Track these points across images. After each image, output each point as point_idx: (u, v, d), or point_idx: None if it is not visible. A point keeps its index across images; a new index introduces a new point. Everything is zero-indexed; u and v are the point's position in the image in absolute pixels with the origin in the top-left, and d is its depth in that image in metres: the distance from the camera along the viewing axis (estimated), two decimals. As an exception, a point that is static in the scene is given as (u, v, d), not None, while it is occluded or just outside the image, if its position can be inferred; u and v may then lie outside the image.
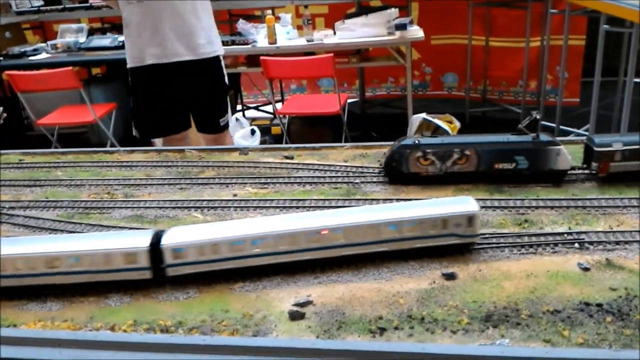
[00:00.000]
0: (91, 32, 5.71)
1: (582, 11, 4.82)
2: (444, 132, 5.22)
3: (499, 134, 1.73)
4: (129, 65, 3.16)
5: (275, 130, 5.94)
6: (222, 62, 3.31)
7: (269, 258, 1.32)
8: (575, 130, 5.05)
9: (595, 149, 1.64)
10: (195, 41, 3.09)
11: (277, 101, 5.80)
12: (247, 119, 6.02)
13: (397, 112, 6.12)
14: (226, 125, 3.36)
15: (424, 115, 5.20)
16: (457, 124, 5.34)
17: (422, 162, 1.70)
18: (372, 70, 6.45)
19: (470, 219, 1.33)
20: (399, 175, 1.75)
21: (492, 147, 1.68)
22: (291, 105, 5.42)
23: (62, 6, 6.05)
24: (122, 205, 1.73)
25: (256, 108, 6.61)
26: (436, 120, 5.23)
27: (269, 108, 6.44)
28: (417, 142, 1.72)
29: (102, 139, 5.43)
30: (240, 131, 5.42)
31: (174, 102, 3.19)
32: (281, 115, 5.26)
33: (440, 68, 6.39)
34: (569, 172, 1.70)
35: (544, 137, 1.68)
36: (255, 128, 5.44)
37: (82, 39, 5.49)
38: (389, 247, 1.35)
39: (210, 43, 3.16)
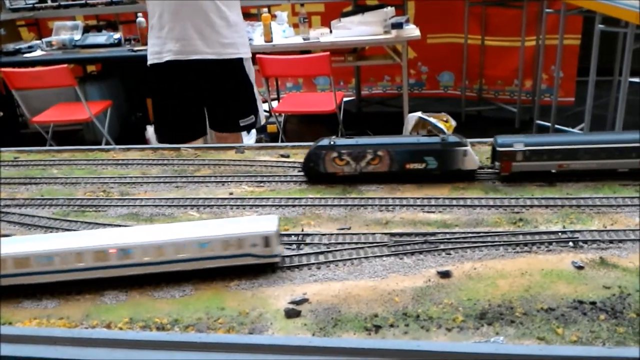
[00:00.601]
0: (86, 30, 5.69)
1: (577, 11, 4.83)
2: (440, 131, 5.24)
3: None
4: (149, 62, 3.08)
5: (272, 128, 5.93)
6: (249, 65, 3.15)
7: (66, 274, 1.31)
8: (570, 129, 5.08)
9: (498, 149, 1.69)
10: (218, 40, 2.97)
11: (273, 99, 5.80)
12: (243, 117, 6.00)
13: (393, 111, 6.13)
14: (249, 126, 3.24)
15: (419, 114, 5.20)
16: (453, 123, 5.34)
17: (338, 163, 1.75)
18: (368, 68, 6.45)
19: (266, 239, 1.32)
20: (316, 175, 1.79)
21: (403, 148, 1.74)
22: (287, 104, 5.42)
23: (57, 3, 6.02)
24: (118, 204, 1.73)
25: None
26: (432, 119, 5.24)
27: (265, 106, 6.42)
28: (332, 143, 1.77)
29: (98, 136, 5.42)
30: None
31: (194, 103, 3.08)
32: (277, 114, 5.26)
33: (436, 67, 6.40)
34: (477, 171, 1.75)
35: (452, 138, 1.73)
36: (252, 126, 5.42)
37: (77, 36, 5.47)
38: (189, 266, 1.33)
39: (234, 44, 3.04)
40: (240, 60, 3.08)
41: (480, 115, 6.18)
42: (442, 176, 1.73)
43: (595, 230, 1.41)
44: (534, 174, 1.69)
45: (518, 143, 1.65)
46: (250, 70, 3.17)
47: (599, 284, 1.23)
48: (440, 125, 5.30)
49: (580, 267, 1.28)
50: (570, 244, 1.36)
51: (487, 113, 6.18)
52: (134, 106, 6.06)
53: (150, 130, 5.10)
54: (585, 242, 1.37)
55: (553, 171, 1.67)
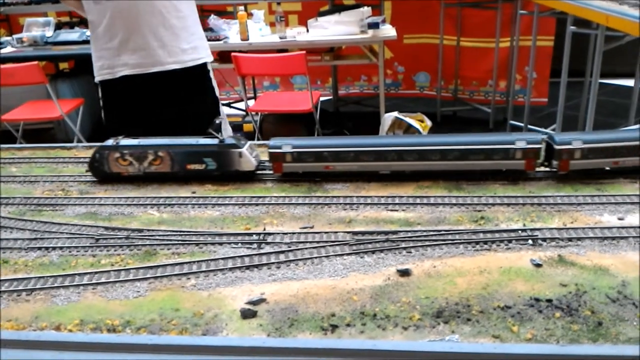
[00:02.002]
0: (59, 26, 5.58)
1: (550, 12, 4.90)
2: (416, 131, 5.26)
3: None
4: (97, 79, 2.69)
5: (247, 127, 5.90)
6: (211, 72, 2.86)
7: None
8: (542, 129, 5.14)
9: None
10: (179, 46, 2.63)
11: (249, 98, 5.76)
12: (219, 116, 5.95)
13: (370, 111, 6.14)
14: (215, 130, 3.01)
15: (396, 113, 5.22)
16: (429, 123, 5.37)
17: (122, 163, 1.79)
18: (345, 68, 6.45)
19: None
20: (102, 175, 1.83)
21: (183, 150, 1.78)
22: (263, 103, 5.39)
23: (28, -1, 5.90)
24: (77, 202, 1.68)
25: (228, 105, 6.54)
26: (408, 119, 5.26)
27: (241, 105, 6.39)
28: (116, 143, 1.81)
29: (69, 135, 5.31)
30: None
31: (154, 118, 2.66)
32: (253, 113, 5.22)
33: (412, 67, 6.43)
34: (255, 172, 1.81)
35: (229, 140, 1.79)
36: (227, 125, 5.38)
37: (49, 32, 5.36)
38: None
39: (195, 49, 2.71)
40: (204, 65, 2.80)
41: (455, 116, 6.23)
42: (222, 177, 1.79)
43: (555, 229, 1.41)
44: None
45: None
46: (212, 73, 2.90)
47: (556, 282, 1.23)
48: (416, 125, 5.34)
49: (538, 265, 1.28)
50: (530, 242, 1.37)
51: (462, 113, 6.23)
52: (107, 104, 5.94)
53: (123, 129, 5.02)
54: (544, 240, 1.37)
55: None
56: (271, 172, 1.80)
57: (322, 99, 5.61)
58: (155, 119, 2.66)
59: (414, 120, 5.40)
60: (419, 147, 1.71)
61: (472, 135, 1.75)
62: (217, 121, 1.84)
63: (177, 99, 2.71)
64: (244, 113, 6.15)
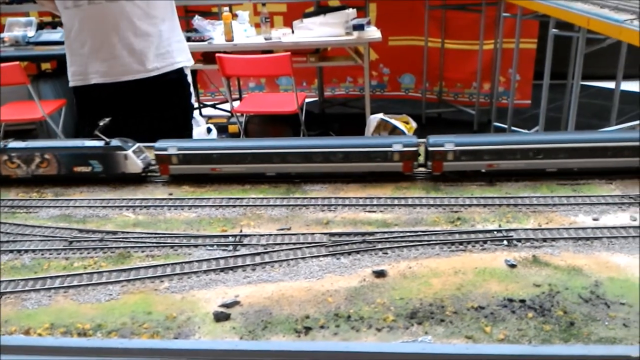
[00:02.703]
0: (41, 26, 5.50)
1: (533, 15, 4.95)
2: (401, 132, 5.28)
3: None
4: (70, 84, 2.64)
5: (233, 128, 5.88)
6: (189, 77, 2.74)
7: None
8: (525, 131, 5.18)
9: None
10: (151, 51, 2.53)
11: (235, 99, 5.74)
12: (204, 117, 5.93)
13: (356, 112, 6.14)
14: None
15: (381, 115, 5.24)
16: (414, 125, 5.40)
17: (10, 166, 1.79)
18: (331, 69, 6.45)
19: None
20: None
21: (69, 152, 1.80)
22: (248, 104, 5.37)
23: (9, -2, 5.82)
24: (51, 205, 1.66)
25: (213, 106, 6.51)
26: (393, 121, 5.28)
27: (227, 106, 6.36)
28: (3, 146, 1.81)
29: (52, 136, 5.24)
30: (196, 129, 5.33)
31: (127, 125, 2.49)
32: (238, 114, 5.20)
33: (397, 69, 6.44)
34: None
35: (114, 142, 1.80)
36: (212, 126, 5.36)
37: (30, 32, 5.29)
38: None
39: (170, 53, 2.61)
40: (180, 70, 2.69)
41: (440, 117, 6.26)
42: (109, 179, 1.80)
43: (530, 229, 1.42)
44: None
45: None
46: (189, 78, 2.80)
47: (529, 282, 1.23)
48: (402, 126, 5.36)
49: (512, 266, 1.29)
50: (505, 242, 1.37)
51: (447, 115, 6.26)
52: (90, 105, 5.88)
53: (106, 130, 4.97)
54: (519, 240, 1.38)
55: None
56: (158, 174, 1.81)
57: (307, 100, 5.60)
58: (126, 126, 2.44)
59: (399, 121, 5.42)
60: (303, 149, 1.74)
61: (354, 139, 1.79)
62: (102, 123, 1.81)
63: (148, 106, 2.65)
64: (229, 114, 6.13)
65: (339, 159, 1.72)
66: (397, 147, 1.70)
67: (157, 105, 2.66)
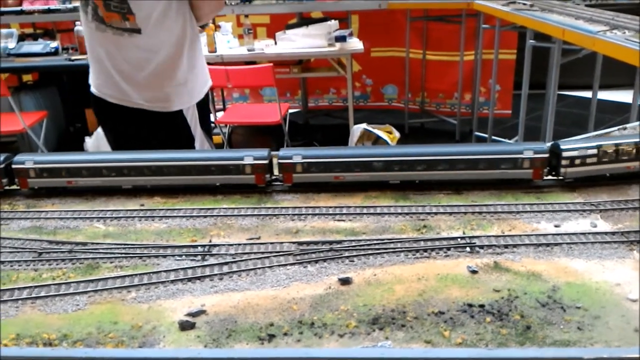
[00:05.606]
0: (22, 38, 5.51)
1: (511, 27, 5.05)
2: (384, 143, 5.33)
3: None
4: (91, 89, 2.73)
5: (217, 139, 5.88)
6: (188, 118, 2.71)
7: None
8: (506, 140, 5.26)
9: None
10: (151, 92, 2.59)
11: (218, 110, 5.76)
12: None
13: (339, 123, 6.20)
14: None
15: (364, 125, 5.30)
16: (397, 135, 5.46)
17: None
18: (314, 81, 6.52)
19: None
20: None
21: None
22: (231, 115, 5.40)
23: (-10, 10, 5.81)
24: (22, 217, 1.66)
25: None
26: (376, 131, 5.34)
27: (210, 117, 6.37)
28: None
29: (33, 148, 5.23)
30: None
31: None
32: (222, 125, 5.22)
33: (380, 80, 6.53)
34: None
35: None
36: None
37: (11, 44, 5.30)
38: None
39: (166, 96, 2.62)
40: (178, 112, 2.68)
41: (423, 127, 6.34)
42: None
43: (493, 236, 1.45)
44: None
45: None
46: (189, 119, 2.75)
47: (489, 288, 1.26)
48: (385, 136, 5.41)
49: (474, 272, 1.32)
50: (468, 249, 1.41)
51: (429, 125, 6.34)
52: (72, 117, 5.89)
53: (89, 142, 4.96)
54: (482, 247, 1.41)
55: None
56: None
57: (291, 111, 5.65)
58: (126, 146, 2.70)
59: (383, 131, 5.48)
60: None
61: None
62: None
63: (145, 135, 2.74)
64: (212, 125, 6.14)
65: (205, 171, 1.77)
66: (248, 160, 1.76)
67: (151, 136, 2.72)
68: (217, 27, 5.32)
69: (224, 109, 6.07)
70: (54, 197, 1.80)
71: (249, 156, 1.76)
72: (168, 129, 2.70)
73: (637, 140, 1.70)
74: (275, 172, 1.82)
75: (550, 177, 1.77)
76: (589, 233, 1.45)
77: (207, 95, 2.87)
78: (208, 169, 1.77)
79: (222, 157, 1.79)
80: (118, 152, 1.95)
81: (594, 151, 1.69)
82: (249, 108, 6.06)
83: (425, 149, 1.74)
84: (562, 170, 1.71)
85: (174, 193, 1.80)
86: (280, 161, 1.77)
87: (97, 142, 4.86)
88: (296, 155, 1.75)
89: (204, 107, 2.83)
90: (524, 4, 4.81)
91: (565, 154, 1.69)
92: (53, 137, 5.40)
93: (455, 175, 1.73)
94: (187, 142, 2.77)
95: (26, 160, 1.79)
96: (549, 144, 1.76)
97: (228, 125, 5.49)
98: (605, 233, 1.45)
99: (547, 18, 4.23)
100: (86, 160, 1.80)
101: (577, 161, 1.69)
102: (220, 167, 1.77)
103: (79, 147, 5.13)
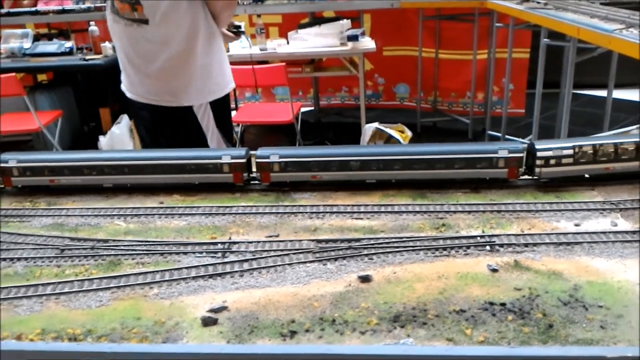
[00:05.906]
0: (37, 38, 5.57)
1: (525, 25, 5.02)
2: (396, 142, 5.32)
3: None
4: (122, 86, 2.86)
5: (229, 139, 5.90)
6: (199, 115, 2.72)
7: None
8: (520, 139, 5.23)
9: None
10: (162, 87, 2.66)
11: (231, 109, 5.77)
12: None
13: (351, 121, 6.20)
14: None
15: (376, 124, 5.29)
16: (409, 134, 5.45)
17: None
18: (326, 79, 6.52)
19: None
20: None
21: None
22: (244, 114, 5.42)
23: (6, 11, 5.88)
24: (43, 214, 1.69)
25: (210, 116, 6.54)
26: (388, 130, 5.33)
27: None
28: None
29: (48, 147, 5.28)
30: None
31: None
32: (234, 124, 5.24)
33: (392, 79, 6.51)
34: None
35: None
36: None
37: (27, 44, 5.35)
38: None
39: (175, 92, 2.66)
40: (189, 107, 2.72)
41: (435, 126, 6.31)
42: None
43: (512, 235, 1.45)
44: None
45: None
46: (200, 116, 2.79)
47: (510, 286, 1.26)
48: (397, 135, 5.40)
49: (494, 270, 1.32)
50: (487, 247, 1.40)
51: (441, 124, 6.31)
52: (86, 116, 5.94)
53: (103, 141, 5.01)
54: (501, 245, 1.41)
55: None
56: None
57: (303, 109, 5.65)
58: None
59: (395, 130, 5.47)
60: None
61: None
62: None
63: (157, 129, 2.83)
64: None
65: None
66: (226, 160, 1.76)
67: (169, 131, 2.80)
68: (230, 27, 5.34)
69: (236, 109, 6.09)
70: (75, 195, 1.82)
71: (227, 155, 1.76)
72: (174, 124, 2.73)
73: (616, 141, 1.69)
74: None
75: (526, 177, 1.76)
76: (609, 232, 1.44)
77: (226, 96, 2.88)
78: (186, 167, 1.78)
79: (200, 156, 1.79)
80: (98, 151, 1.98)
81: (570, 152, 1.67)
82: (262, 107, 6.08)
83: (401, 148, 1.74)
84: (537, 170, 1.70)
85: (192, 191, 1.81)
86: (258, 160, 1.77)
87: (111, 141, 4.91)
88: (273, 154, 1.75)
89: (221, 108, 2.84)
90: (538, 2, 4.78)
91: (540, 153, 1.68)
92: (68, 136, 5.45)
93: (432, 175, 1.72)
94: (198, 140, 2.79)
95: (10, 159, 1.82)
96: (526, 144, 1.76)
97: (240, 125, 5.51)
98: (627, 232, 1.44)
99: (562, 16, 4.20)
100: (68, 159, 1.82)
101: (552, 161, 1.68)
102: (198, 166, 1.78)
103: (93, 146, 5.19)
